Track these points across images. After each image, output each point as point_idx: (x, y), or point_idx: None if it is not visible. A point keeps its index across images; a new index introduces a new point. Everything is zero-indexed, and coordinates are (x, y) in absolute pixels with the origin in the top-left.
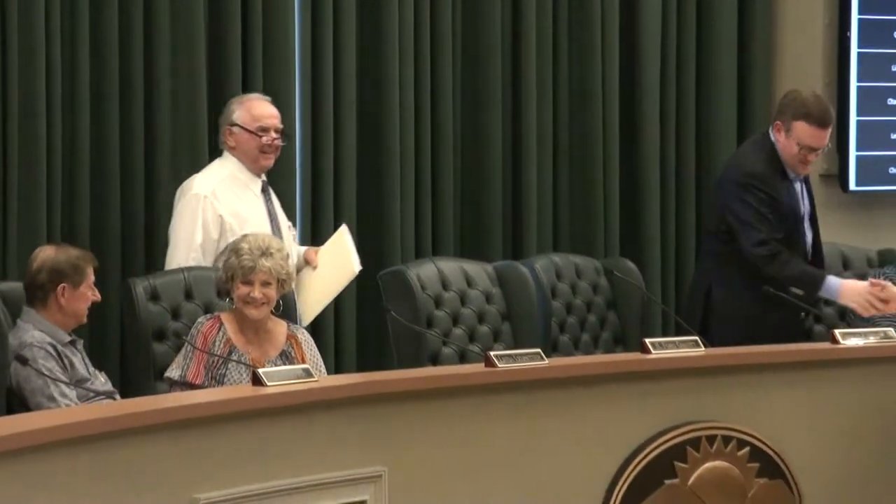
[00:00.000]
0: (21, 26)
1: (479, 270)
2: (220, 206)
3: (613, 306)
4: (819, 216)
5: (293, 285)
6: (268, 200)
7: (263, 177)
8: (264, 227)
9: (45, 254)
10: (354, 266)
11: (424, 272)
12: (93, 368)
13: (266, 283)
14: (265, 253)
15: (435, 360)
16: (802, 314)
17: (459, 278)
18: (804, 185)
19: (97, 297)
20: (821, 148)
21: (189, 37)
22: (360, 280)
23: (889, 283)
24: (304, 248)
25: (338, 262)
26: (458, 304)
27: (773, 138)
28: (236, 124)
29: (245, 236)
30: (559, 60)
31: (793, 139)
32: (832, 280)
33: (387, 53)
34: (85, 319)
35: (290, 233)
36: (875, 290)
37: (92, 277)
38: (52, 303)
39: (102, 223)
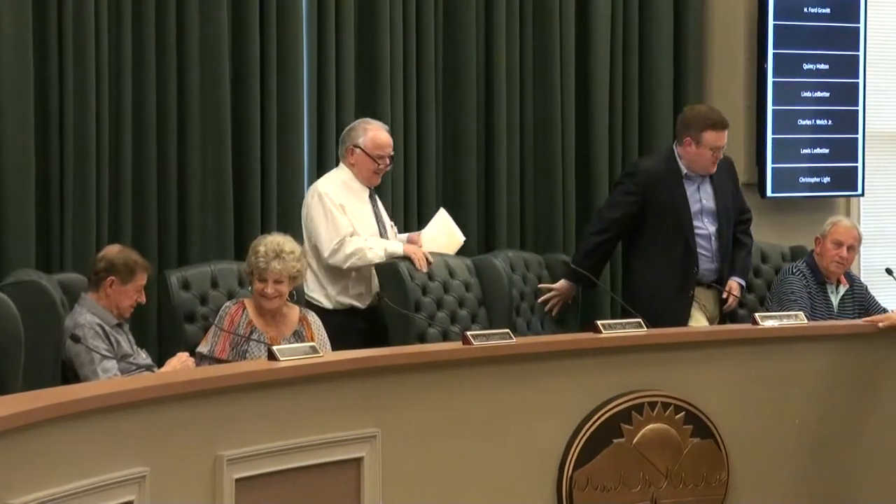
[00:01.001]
0: (76, 48)
1: (459, 264)
2: (343, 203)
3: None
4: None
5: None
6: (374, 205)
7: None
8: (372, 227)
9: (111, 250)
10: (459, 236)
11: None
12: (136, 346)
13: (277, 281)
14: (278, 256)
15: (422, 338)
16: (691, 293)
17: (443, 270)
18: (712, 186)
19: (142, 299)
20: (724, 145)
21: (214, 59)
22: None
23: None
24: (406, 234)
25: (442, 237)
26: (442, 292)
27: (677, 152)
28: (359, 147)
29: (264, 239)
30: (525, 100)
31: (704, 147)
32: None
33: (379, 65)
34: (127, 315)
35: (392, 230)
36: None
37: (142, 282)
38: (102, 290)
39: (142, 223)
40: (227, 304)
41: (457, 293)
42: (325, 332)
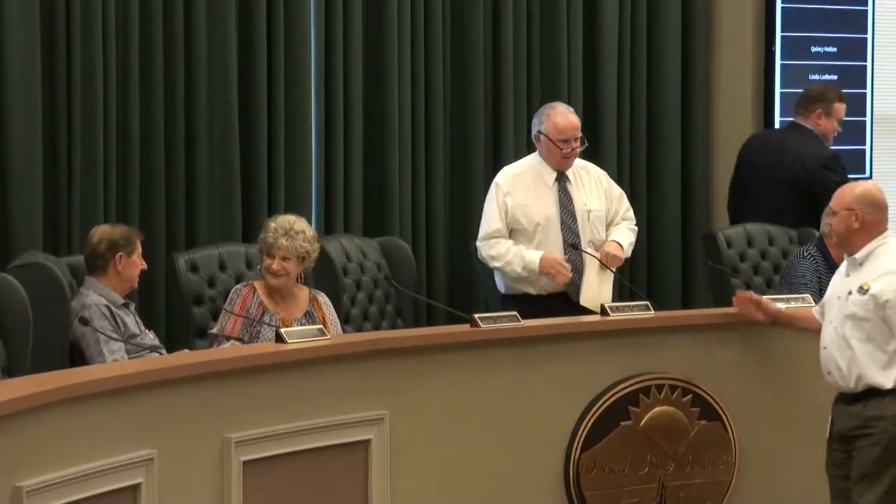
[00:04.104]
0: (83, 32)
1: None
2: (509, 193)
3: None
4: None
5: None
6: (561, 189)
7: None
8: (551, 212)
9: (102, 230)
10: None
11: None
12: (143, 327)
13: (284, 258)
14: (287, 233)
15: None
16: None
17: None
18: None
19: (145, 266)
20: None
21: (222, 46)
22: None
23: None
24: (612, 241)
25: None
26: (360, 273)
27: (811, 126)
28: (543, 134)
29: (276, 217)
30: (532, 89)
31: (833, 118)
32: None
33: (387, 55)
34: (136, 284)
35: (588, 215)
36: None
37: (140, 249)
38: (111, 270)
39: (150, 207)
40: (238, 286)
41: (371, 274)
42: (335, 312)
